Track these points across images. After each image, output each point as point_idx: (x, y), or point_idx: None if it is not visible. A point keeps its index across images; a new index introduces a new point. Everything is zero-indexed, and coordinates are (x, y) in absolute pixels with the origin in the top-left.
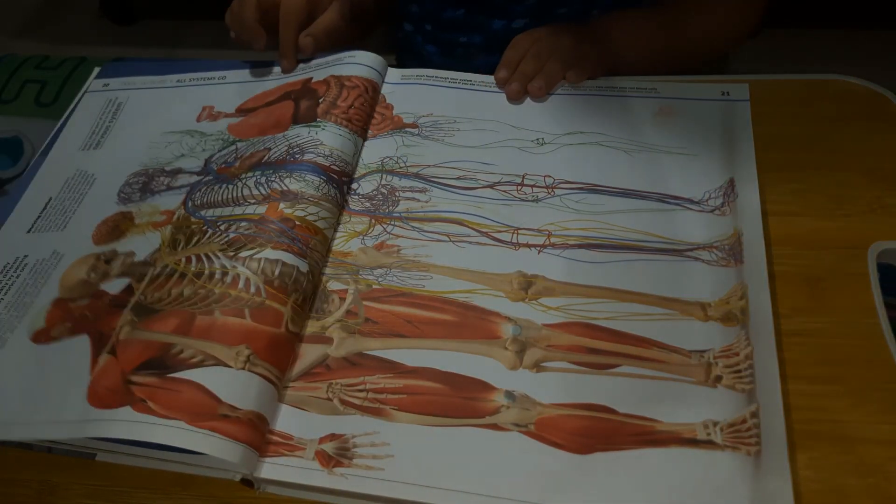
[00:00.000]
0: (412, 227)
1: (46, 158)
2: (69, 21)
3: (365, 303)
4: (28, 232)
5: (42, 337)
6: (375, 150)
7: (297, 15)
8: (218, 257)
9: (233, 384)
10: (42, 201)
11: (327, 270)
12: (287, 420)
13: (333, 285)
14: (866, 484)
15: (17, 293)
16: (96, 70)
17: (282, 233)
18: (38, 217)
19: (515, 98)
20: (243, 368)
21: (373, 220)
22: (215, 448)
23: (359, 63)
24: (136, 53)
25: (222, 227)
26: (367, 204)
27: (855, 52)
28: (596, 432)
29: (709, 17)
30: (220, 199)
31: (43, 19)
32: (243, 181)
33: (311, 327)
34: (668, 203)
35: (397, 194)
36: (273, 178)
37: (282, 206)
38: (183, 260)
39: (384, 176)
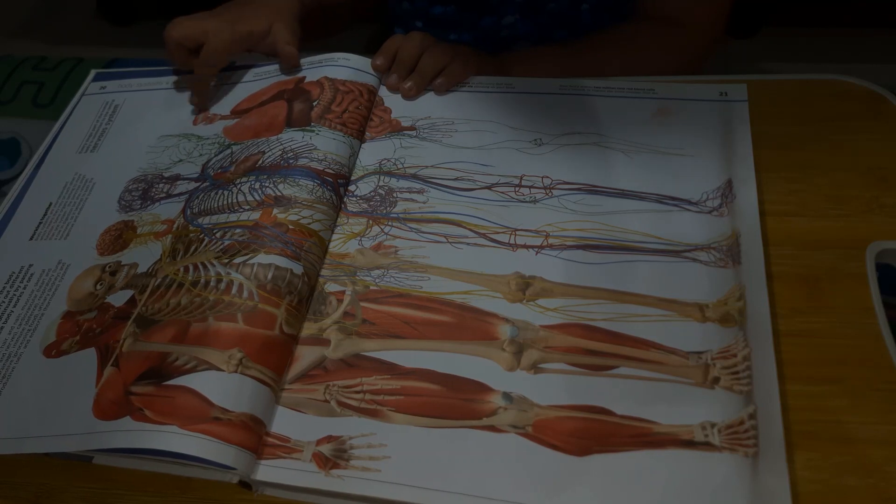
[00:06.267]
0: (410, 228)
1: (44, 161)
2: (67, 21)
3: (362, 304)
4: (30, 239)
5: (53, 350)
6: (373, 153)
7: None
8: (213, 265)
9: (225, 387)
10: (42, 207)
11: (324, 272)
12: (284, 422)
13: (331, 287)
14: (865, 484)
15: (26, 305)
16: (93, 73)
17: (275, 237)
18: (40, 224)
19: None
20: (235, 371)
21: (370, 222)
22: (207, 451)
23: (354, 67)
24: (134, 54)
25: (218, 235)
26: (365, 205)
27: (853, 52)
28: (593, 434)
29: (639, 54)
30: (216, 205)
31: (40, 20)
32: (238, 186)
33: (309, 329)
34: (665, 204)
35: (395, 195)
36: (267, 184)
37: (275, 211)
38: (181, 269)
39: (382, 177)
